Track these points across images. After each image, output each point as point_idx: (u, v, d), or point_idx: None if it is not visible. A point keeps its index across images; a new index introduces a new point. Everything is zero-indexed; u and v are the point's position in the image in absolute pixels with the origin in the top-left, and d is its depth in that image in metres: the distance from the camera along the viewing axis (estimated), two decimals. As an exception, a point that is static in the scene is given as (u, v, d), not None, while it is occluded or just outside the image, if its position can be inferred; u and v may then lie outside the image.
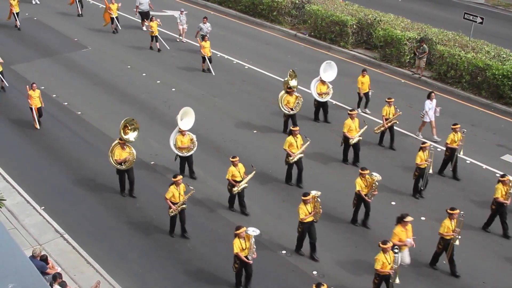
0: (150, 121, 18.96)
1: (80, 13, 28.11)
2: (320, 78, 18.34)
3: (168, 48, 24.27)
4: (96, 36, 26.00)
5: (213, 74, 22.12)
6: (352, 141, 16.08)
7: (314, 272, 12.77)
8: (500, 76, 19.94)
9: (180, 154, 15.43)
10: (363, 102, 19.32)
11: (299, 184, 15.54)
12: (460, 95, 21.09)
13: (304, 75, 21.91)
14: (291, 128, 15.44)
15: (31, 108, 18.13)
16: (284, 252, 13.39)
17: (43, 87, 19.15)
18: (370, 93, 18.96)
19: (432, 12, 30.25)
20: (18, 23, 25.95)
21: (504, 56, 20.82)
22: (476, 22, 22.37)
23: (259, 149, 17.44)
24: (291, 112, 17.50)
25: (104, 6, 26.06)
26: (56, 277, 11.24)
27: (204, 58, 22.19)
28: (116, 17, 25.89)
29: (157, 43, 24.22)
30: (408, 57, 23.03)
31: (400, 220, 12.07)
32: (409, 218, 11.99)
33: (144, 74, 22.38)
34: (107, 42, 25.45)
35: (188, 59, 23.55)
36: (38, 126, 18.28)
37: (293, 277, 12.69)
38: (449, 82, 21.68)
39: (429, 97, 17.35)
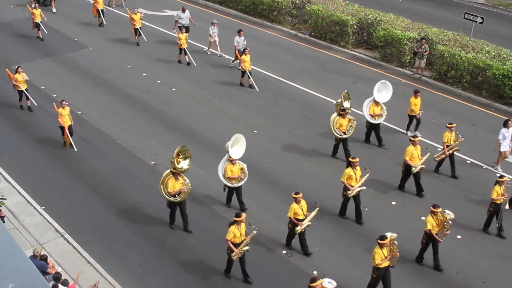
0: (150, 121, 18.97)
1: (103, 23, 26.85)
2: (374, 98, 17.04)
3: (196, 65, 22.93)
4: (96, 36, 26.00)
5: (257, 89, 20.86)
6: (415, 170, 14.77)
7: (315, 272, 12.76)
8: (501, 76, 19.93)
9: (229, 184, 14.17)
10: (413, 125, 17.98)
11: (358, 220, 14.21)
12: (461, 95, 21.09)
13: (304, 75, 21.90)
14: (350, 159, 13.92)
15: (61, 128, 16.90)
16: (284, 252, 13.39)
17: (43, 87, 19.15)
18: (420, 114, 17.63)
19: (433, 12, 30.25)
20: (38, 32, 25.00)
21: (505, 56, 20.82)
22: (476, 22, 22.36)
23: (260, 149, 17.43)
24: (343, 136, 16.24)
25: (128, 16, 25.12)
26: (59, 278, 11.26)
27: (243, 73, 20.96)
28: (140, 28, 24.55)
29: (186, 56, 23.06)
30: (408, 57, 23.02)
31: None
32: None
33: (144, 74, 22.39)
34: (108, 42, 25.45)
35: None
36: (75, 148, 16.97)
37: (293, 277, 12.68)
38: (450, 82, 21.68)
39: (505, 125, 15.84)
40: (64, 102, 16.94)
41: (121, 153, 17.25)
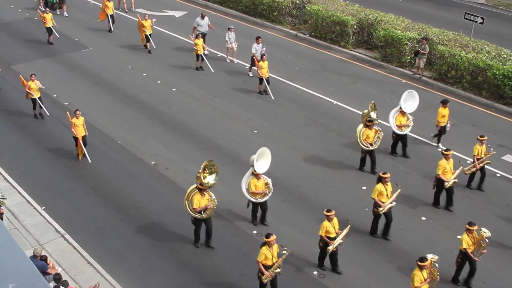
0: (151, 121, 18.98)
1: (111, 29, 26.17)
2: (400, 108, 16.49)
3: (213, 70, 22.37)
4: (96, 36, 26.00)
5: (272, 98, 20.31)
6: (447, 185, 14.25)
7: (315, 272, 12.77)
8: (501, 76, 19.93)
9: (253, 199, 13.66)
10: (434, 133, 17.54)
11: (386, 236, 13.76)
12: (461, 95, 21.08)
13: (304, 75, 21.89)
14: (381, 174, 13.29)
15: (75, 138, 16.37)
16: (284, 252, 13.36)
17: (44, 87, 19.15)
18: (448, 125, 17.10)
19: (433, 12, 30.25)
20: (54, 36, 24.53)
21: (505, 56, 20.81)
22: (476, 22, 22.36)
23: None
24: (370, 148, 15.77)
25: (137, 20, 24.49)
26: (60, 278, 11.26)
27: (261, 80, 20.43)
28: (150, 35, 23.87)
29: (201, 62, 22.56)
30: (408, 57, 23.02)
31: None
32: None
33: (144, 74, 22.39)
34: (108, 42, 25.45)
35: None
36: (89, 159, 16.45)
37: (294, 277, 12.68)
38: (450, 82, 21.67)
39: None
40: (78, 112, 16.31)
41: (121, 153, 17.25)
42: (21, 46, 24.79)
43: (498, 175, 16.35)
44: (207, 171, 13.01)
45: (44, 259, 12.01)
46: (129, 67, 23.05)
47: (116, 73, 22.55)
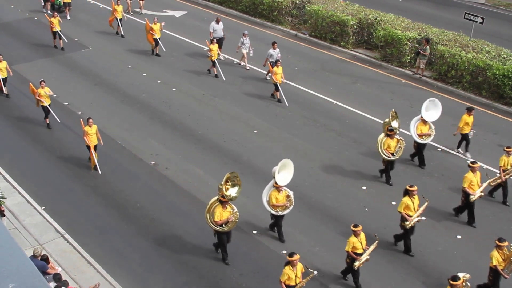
0: (151, 121, 18.98)
1: (121, 33, 25.79)
2: (421, 117, 16.11)
3: (224, 79, 21.82)
4: (96, 36, 26.01)
5: (286, 104, 19.91)
6: (473, 198, 13.77)
7: (315, 272, 12.75)
8: (501, 76, 19.93)
9: (273, 212, 13.26)
10: (463, 145, 17.15)
11: (408, 253, 13.28)
12: (461, 95, 21.09)
13: (304, 75, 21.89)
14: (408, 187, 12.86)
15: (88, 147, 16.02)
16: (284, 252, 13.37)
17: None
18: (471, 134, 16.81)
19: (433, 12, 30.25)
20: (60, 42, 24.19)
21: (505, 56, 20.82)
22: (476, 22, 22.37)
23: (260, 148, 17.45)
24: (392, 158, 15.34)
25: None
26: (60, 278, 11.26)
27: (276, 86, 20.06)
28: (159, 38, 23.57)
29: (214, 68, 21.99)
30: (408, 57, 23.03)
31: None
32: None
33: (144, 74, 22.39)
34: (108, 42, 25.46)
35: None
36: (99, 170, 15.98)
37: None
38: (450, 82, 21.68)
39: None
40: (91, 120, 15.95)
41: (121, 153, 17.25)
42: (21, 46, 24.79)
43: (497, 175, 16.34)
44: (230, 183, 12.60)
45: (44, 258, 12.01)
46: (129, 67, 23.05)
47: (116, 73, 22.55)
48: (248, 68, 22.94)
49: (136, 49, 24.70)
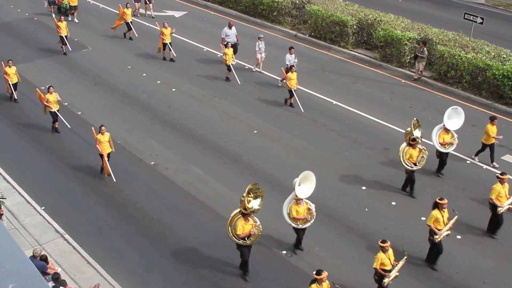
0: (151, 121, 18.99)
1: (130, 36, 25.58)
2: (444, 125, 15.74)
3: (239, 83, 21.52)
4: (96, 37, 26.01)
5: (302, 110, 19.45)
6: (501, 210, 13.44)
7: (315, 273, 12.75)
8: (500, 76, 19.94)
9: (294, 225, 12.84)
10: (485, 154, 16.71)
11: (433, 266, 12.97)
12: (461, 95, 21.09)
13: (304, 75, 21.89)
14: (438, 200, 12.40)
15: (101, 155, 15.62)
16: (284, 252, 13.40)
17: (44, 88, 19.14)
18: (497, 142, 16.44)
19: (432, 12, 30.26)
20: (67, 47, 23.78)
21: (505, 56, 20.82)
22: (476, 22, 22.37)
23: (260, 148, 17.44)
24: (414, 168, 14.89)
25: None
26: (58, 278, 11.27)
27: (290, 92, 19.65)
28: (170, 43, 23.09)
29: (229, 72, 21.73)
30: (408, 57, 23.03)
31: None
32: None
33: (144, 74, 22.40)
34: (108, 42, 25.46)
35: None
36: (114, 178, 15.63)
37: (293, 277, 12.68)
38: (450, 82, 21.68)
39: None
40: (103, 128, 15.58)
41: (121, 153, 17.25)
42: (21, 46, 24.79)
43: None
44: (252, 195, 12.21)
45: (44, 259, 12.01)
46: (129, 67, 23.06)
47: (116, 73, 22.55)
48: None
49: (136, 49, 24.70)
